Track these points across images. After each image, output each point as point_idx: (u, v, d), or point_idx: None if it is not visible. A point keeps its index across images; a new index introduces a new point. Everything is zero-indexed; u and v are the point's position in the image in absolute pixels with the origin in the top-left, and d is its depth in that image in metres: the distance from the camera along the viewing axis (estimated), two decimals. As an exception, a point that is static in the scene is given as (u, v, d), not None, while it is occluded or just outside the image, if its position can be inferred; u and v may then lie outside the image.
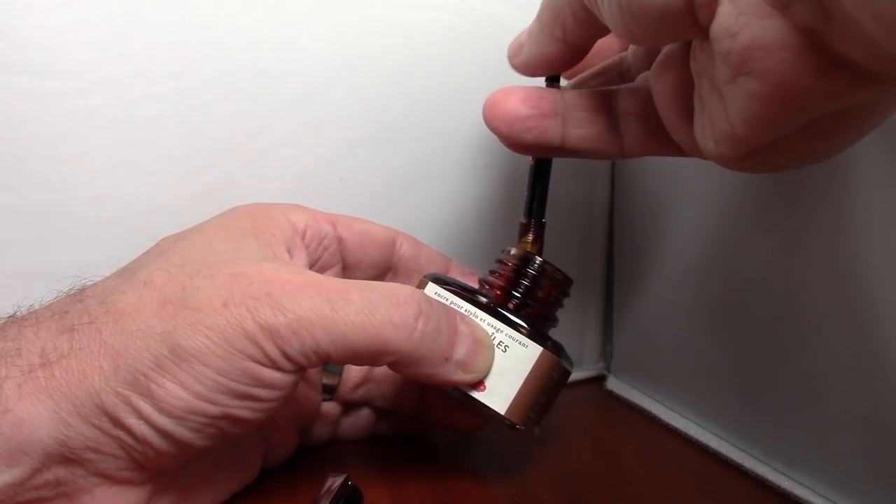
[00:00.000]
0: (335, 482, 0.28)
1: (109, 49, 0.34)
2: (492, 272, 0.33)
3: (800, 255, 0.30)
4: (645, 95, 0.28)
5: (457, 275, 0.36)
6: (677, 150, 0.27)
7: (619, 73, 0.33)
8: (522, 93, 0.30)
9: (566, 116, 0.30)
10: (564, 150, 0.31)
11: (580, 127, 0.30)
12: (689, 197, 0.37)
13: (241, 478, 0.31)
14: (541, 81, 0.32)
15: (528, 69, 0.31)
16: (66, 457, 0.24)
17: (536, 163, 0.34)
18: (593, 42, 0.28)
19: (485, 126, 0.39)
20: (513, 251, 0.33)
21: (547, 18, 0.28)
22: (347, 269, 0.35)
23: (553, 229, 0.34)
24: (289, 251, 0.31)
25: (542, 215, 0.33)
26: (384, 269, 0.36)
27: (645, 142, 0.29)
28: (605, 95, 0.30)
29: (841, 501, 0.30)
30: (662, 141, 0.27)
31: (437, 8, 0.39)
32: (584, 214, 0.45)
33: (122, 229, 0.35)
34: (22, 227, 0.33)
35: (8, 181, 0.33)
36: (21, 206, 0.33)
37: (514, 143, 0.31)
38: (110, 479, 0.26)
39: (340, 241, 0.34)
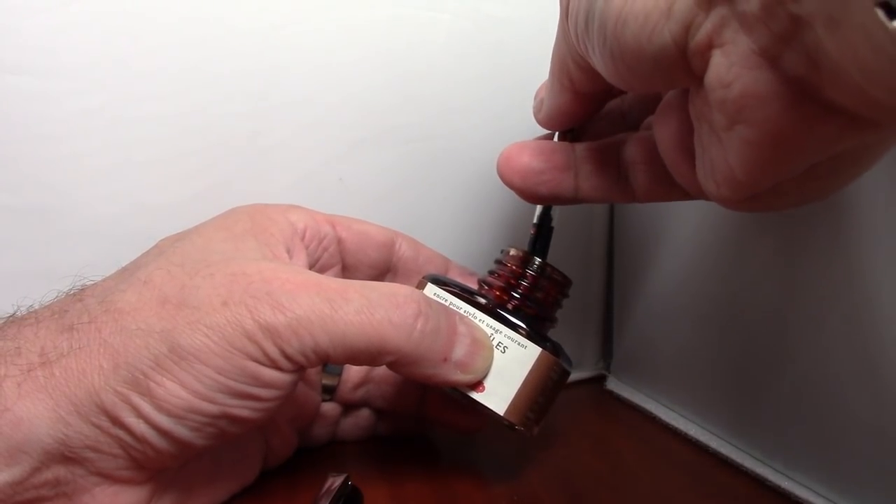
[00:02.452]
0: (335, 482, 0.28)
1: (109, 49, 0.34)
2: (491, 273, 0.33)
3: (800, 256, 0.30)
4: (649, 143, 0.28)
5: (456, 275, 0.36)
6: (684, 195, 0.27)
7: (621, 115, 0.34)
8: (535, 147, 0.31)
9: (578, 169, 0.31)
10: (578, 200, 0.31)
11: (591, 178, 0.31)
12: (688, 197, 0.37)
13: (241, 478, 0.31)
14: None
15: (550, 123, 0.32)
16: (66, 456, 0.24)
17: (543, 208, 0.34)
18: (604, 90, 0.28)
19: (484, 126, 0.39)
20: (512, 252, 0.33)
21: (555, 69, 0.29)
22: (347, 270, 0.35)
23: (554, 229, 0.34)
24: (288, 251, 0.31)
25: (545, 254, 0.34)
26: (383, 270, 0.36)
27: (652, 188, 0.29)
28: (613, 146, 0.31)
29: (841, 502, 0.30)
30: (669, 186, 0.28)
31: (438, 9, 0.39)
32: (585, 215, 0.45)
33: (122, 229, 0.35)
34: (22, 227, 0.33)
35: (8, 181, 0.33)
36: (21, 206, 0.33)
37: (530, 196, 0.32)
38: (110, 478, 0.26)
39: (340, 241, 0.34)
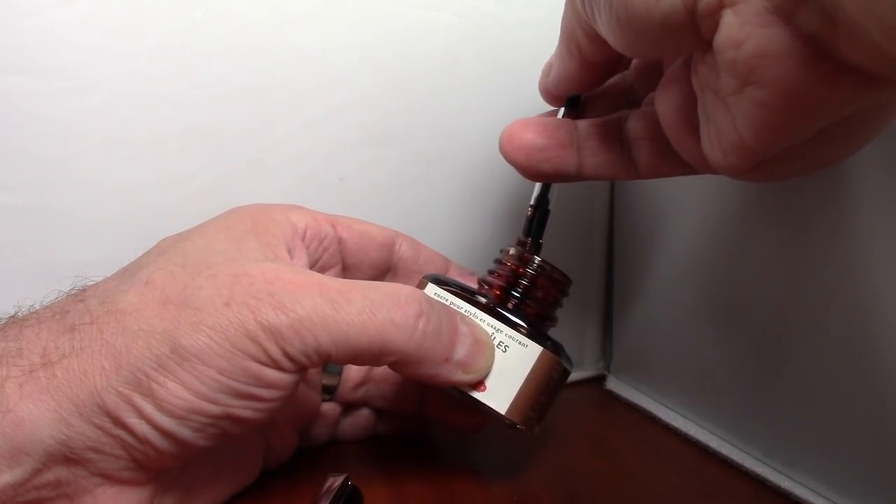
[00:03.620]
0: (335, 482, 0.28)
1: (109, 49, 0.34)
2: (491, 272, 0.33)
3: (800, 255, 0.30)
4: (652, 118, 0.28)
5: (456, 275, 0.36)
6: (688, 169, 0.27)
7: (624, 91, 0.34)
8: (538, 124, 0.31)
9: (581, 145, 0.31)
10: (581, 177, 0.31)
11: (595, 155, 0.30)
12: (688, 197, 0.37)
13: (241, 478, 0.31)
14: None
15: (556, 88, 0.32)
16: (68, 457, 0.24)
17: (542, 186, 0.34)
18: (612, 59, 0.28)
19: (485, 126, 0.39)
20: (511, 251, 0.33)
21: (564, 36, 0.29)
22: (347, 270, 0.35)
23: (553, 229, 0.34)
24: (289, 251, 0.31)
25: (541, 235, 0.33)
26: (384, 270, 0.36)
27: (656, 163, 0.29)
28: (615, 122, 0.30)
29: (841, 501, 0.30)
30: (673, 161, 0.28)
31: (438, 8, 0.39)
32: (585, 215, 0.45)
33: (122, 229, 0.35)
34: (22, 227, 0.33)
35: (8, 181, 0.33)
36: (21, 206, 0.33)
37: (533, 173, 0.31)
38: (111, 479, 0.26)
39: (340, 241, 0.34)
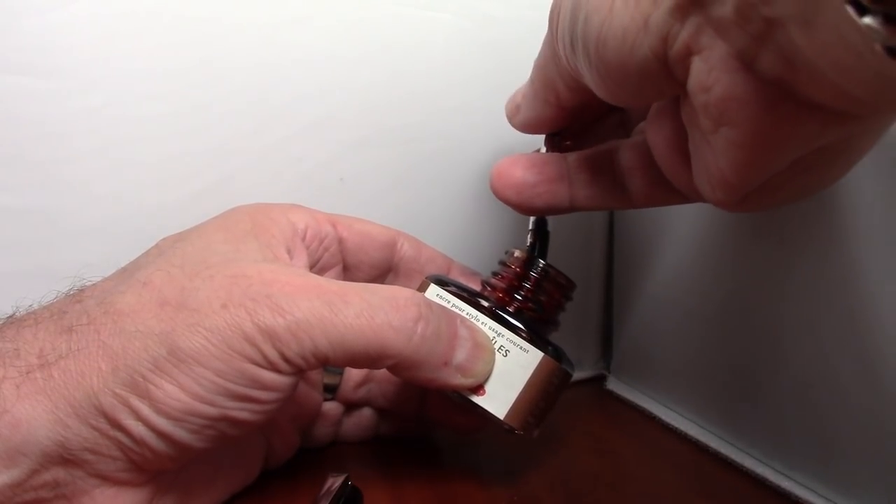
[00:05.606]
0: (335, 482, 0.28)
1: (109, 49, 0.34)
2: (494, 274, 0.33)
3: (798, 256, 0.30)
4: (644, 148, 0.28)
5: (458, 275, 0.36)
6: (682, 198, 0.27)
7: (613, 121, 0.34)
8: (527, 160, 0.31)
9: (572, 178, 0.31)
10: (574, 209, 0.31)
11: (587, 187, 0.31)
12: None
13: (242, 478, 0.31)
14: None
15: (526, 129, 0.32)
16: (65, 458, 0.24)
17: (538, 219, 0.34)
18: (588, 103, 0.28)
19: (485, 126, 0.39)
20: (516, 253, 0.33)
21: (540, 85, 0.29)
22: (348, 270, 0.35)
23: (553, 229, 0.34)
24: (289, 252, 0.31)
25: (545, 256, 0.34)
26: (385, 270, 0.36)
27: (650, 193, 0.30)
28: (606, 153, 0.31)
29: (841, 501, 0.30)
30: (666, 190, 0.28)
31: (438, 8, 0.39)
32: (584, 215, 0.45)
33: (122, 229, 0.35)
34: (22, 227, 0.33)
35: (8, 181, 0.33)
36: (21, 206, 0.33)
37: (526, 209, 0.32)
38: (109, 480, 0.26)
39: (341, 241, 0.34)
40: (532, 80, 0.30)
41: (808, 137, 0.20)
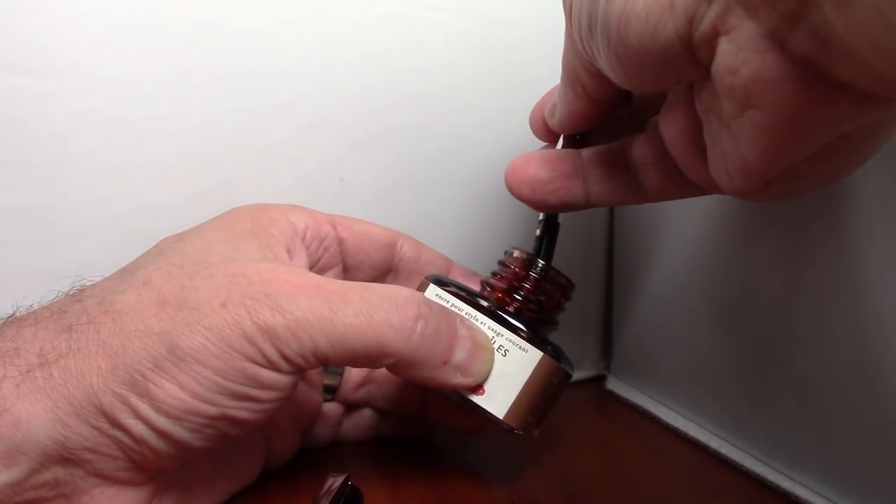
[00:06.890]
0: (335, 482, 0.28)
1: (110, 49, 0.34)
2: (494, 274, 0.33)
3: (799, 255, 0.30)
4: (658, 142, 0.28)
5: (458, 276, 0.36)
6: (697, 190, 0.27)
7: (625, 116, 0.33)
8: (541, 157, 0.31)
9: (586, 174, 0.31)
10: (589, 205, 0.31)
11: (601, 183, 0.31)
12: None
13: (241, 478, 0.31)
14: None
15: (563, 128, 0.32)
16: (65, 457, 0.24)
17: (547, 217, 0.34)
18: (617, 94, 0.28)
19: (485, 126, 0.39)
20: (515, 253, 0.33)
21: (566, 77, 0.29)
22: (348, 271, 0.35)
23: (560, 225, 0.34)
24: (288, 252, 0.31)
25: (552, 254, 0.33)
26: (385, 271, 0.36)
27: (664, 187, 0.29)
28: (619, 148, 0.30)
29: (841, 501, 0.30)
30: (681, 183, 0.28)
31: (438, 8, 0.39)
32: (585, 215, 0.45)
33: (121, 229, 0.35)
34: (22, 227, 0.33)
35: (8, 181, 0.33)
36: (21, 206, 0.33)
37: (541, 206, 0.32)
38: (109, 479, 0.26)
39: (341, 242, 0.34)
40: (561, 75, 0.30)
41: (838, 121, 0.19)
